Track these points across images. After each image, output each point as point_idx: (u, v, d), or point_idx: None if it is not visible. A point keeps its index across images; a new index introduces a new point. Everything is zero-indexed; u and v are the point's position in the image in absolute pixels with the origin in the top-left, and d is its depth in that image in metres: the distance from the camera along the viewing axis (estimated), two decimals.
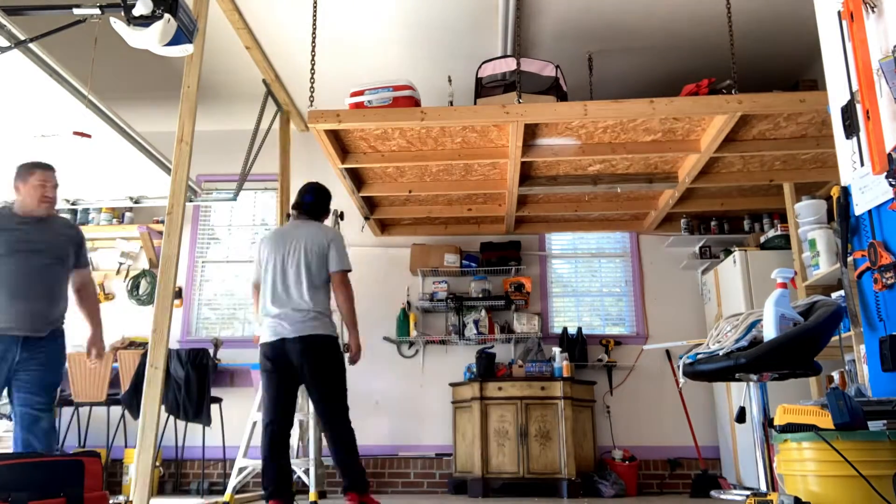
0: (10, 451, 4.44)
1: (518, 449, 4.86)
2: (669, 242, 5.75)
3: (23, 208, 3.29)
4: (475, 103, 4.36)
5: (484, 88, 4.42)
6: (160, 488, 5.34)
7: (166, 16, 2.27)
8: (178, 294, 5.89)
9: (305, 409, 4.70)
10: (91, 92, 3.69)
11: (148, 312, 5.66)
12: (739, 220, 5.63)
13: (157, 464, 5.26)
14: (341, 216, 5.33)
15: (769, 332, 2.27)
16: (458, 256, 5.71)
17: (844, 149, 2.66)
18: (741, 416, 2.43)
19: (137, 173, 4.76)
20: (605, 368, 5.63)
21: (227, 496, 4.17)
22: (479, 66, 4.49)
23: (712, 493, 4.76)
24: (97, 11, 2.38)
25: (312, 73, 4.20)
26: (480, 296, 5.64)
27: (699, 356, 2.44)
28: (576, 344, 5.52)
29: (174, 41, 2.37)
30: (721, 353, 2.33)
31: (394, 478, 5.42)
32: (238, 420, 5.50)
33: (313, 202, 3.71)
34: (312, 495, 4.20)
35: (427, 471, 5.46)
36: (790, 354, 2.24)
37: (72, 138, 4.08)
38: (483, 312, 5.63)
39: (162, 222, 5.54)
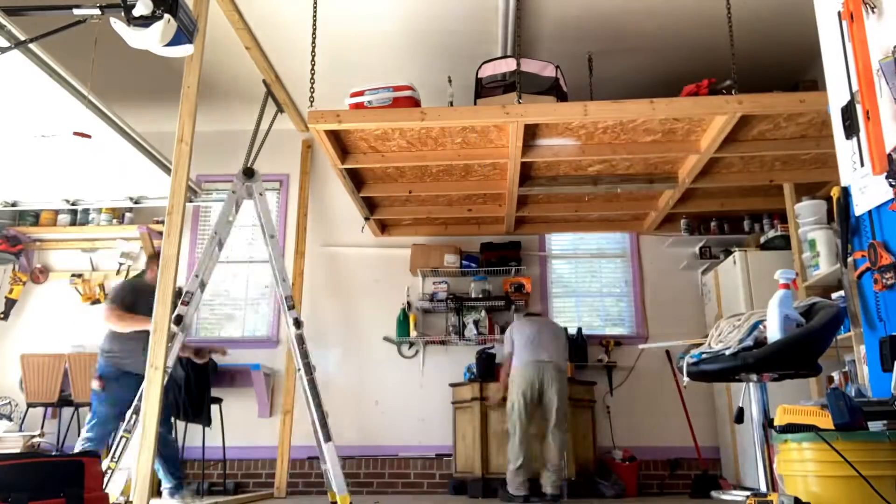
0: (11, 451, 4.45)
1: None
2: (669, 243, 5.75)
3: None
4: (475, 104, 4.36)
5: (484, 89, 4.41)
6: (160, 489, 5.33)
7: (166, 16, 2.27)
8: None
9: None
10: (91, 92, 3.68)
11: None
12: (739, 221, 5.62)
13: None
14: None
15: (773, 332, 2.26)
16: (458, 257, 5.71)
17: (844, 149, 2.66)
18: (740, 417, 2.43)
19: (137, 173, 4.76)
20: (605, 369, 5.63)
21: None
22: (479, 67, 4.48)
23: (712, 493, 4.75)
24: (97, 12, 2.38)
25: (312, 74, 4.20)
26: (480, 296, 5.63)
27: (703, 356, 2.43)
28: (576, 344, 5.51)
29: (174, 41, 2.36)
30: (727, 353, 2.33)
31: (394, 478, 5.42)
32: (238, 420, 5.50)
33: None
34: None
35: (427, 471, 5.46)
36: (796, 355, 2.24)
37: (72, 138, 4.08)
38: (483, 313, 5.62)
39: (162, 222, 5.54)
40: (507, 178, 4.92)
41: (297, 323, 4.02)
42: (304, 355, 3.97)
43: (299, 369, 3.99)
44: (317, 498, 4.95)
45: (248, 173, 4.27)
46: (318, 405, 3.90)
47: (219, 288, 6.07)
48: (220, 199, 5.26)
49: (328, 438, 3.90)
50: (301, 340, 4.00)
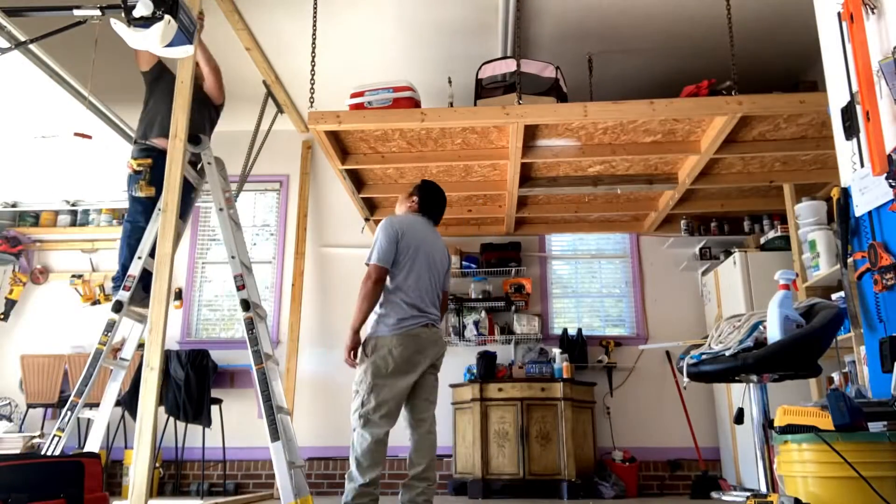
0: (11, 451, 4.45)
1: (518, 450, 4.86)
2: (669, 243, 5.75)
3: None
4: (475, 104, 4.37)
5: (484, 90, 4.42)
6: (160, 489, 5.34)
7: (166, 17, 2.27)
8: (178, 295, 5.89)
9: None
10: (91, 93, 3.69)
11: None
12: (739, 222, 5.63)
13: (158, 465, 5.26)
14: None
15: (774, 333, 2.26)
16: (458, 257, 5.71)
17: (844, 150, 2.66)
18: (740, 418, 2.43)
19: None
20: (606, 369, 5.63)
21: None
22: (479, 68, 4.49)
23: (713, 494, 4.76)
24: (97, 13, 2.38)
25: (312, 74, 4.20)
26: (480, 297, 5.63)
27: (703, 357, 2.43)
28: (576, 345, 5.51)
29: (174, 42, 2.37)
30: (727, 353, 2.33)
31: (394, 479, 5.41)
32: (238, 421, 5.50)
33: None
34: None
35: None
36: (796, 356, 2.24)
37: (72, 139, 4.08)
38: (483, 313, 5.62)
39: None
40: (507, 178, 4.92)
41: (245, 305, 3.63)
42: (254, 342, 3.62)
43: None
44: (317, 498, 4.95)
45: (194, 140, 3.82)
46: (267, 399, 3.54)
47: (219, 288, 6.08)
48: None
49: (274, 438, 3.44)
50: (250, 325, 3.62)
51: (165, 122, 3.61)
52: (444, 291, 3.37)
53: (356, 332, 3.10)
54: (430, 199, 3.37)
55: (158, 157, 3.70)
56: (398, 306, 3.06)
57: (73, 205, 5.47)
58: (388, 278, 3.11)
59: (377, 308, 3.09)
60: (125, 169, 3.78)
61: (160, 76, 3.85)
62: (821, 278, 3.86)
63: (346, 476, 3.04)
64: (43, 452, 3.62)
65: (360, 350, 3.09)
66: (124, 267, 3.84)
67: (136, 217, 3.80)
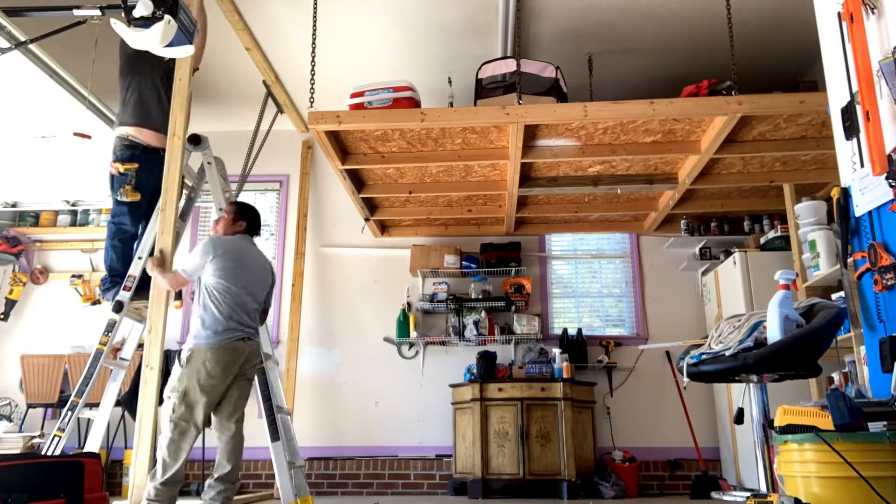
0: (11, 451, 4.45)
1: (518, 450, 4.86)
2: (669, 243, 5.75)
3: None
4: (475, 104, 4.37)
5: (484, 90, 4.42)
6: None
7: (166, 17, 2.27)
8: (178, 295, 5.88)
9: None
10: (91, 93, 3.69)
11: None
12: (739, 222, 5.63)
13: None
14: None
15: (774, 333, 2.26)
16: (458, 257, 5.71)
17: (844, 150, 2.66)
18: (740, 418, 2.43)
19: None
20: (606, 369, 5.63)
21: None
22: (479, 68, 4.49)
23: (713, 494, 4.76)
24: (97, 13, 2.38)
25: (312, 74, 4.20)
26: (480, 297, 5.63)
27: (703, 357, 2.43)
28: (576, 345, 5.51)
29: (174, 42, 2.37)
30: (727, 353, 2.33)
31: (394, 479, 5.41)
32: None
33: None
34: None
35: (427, 472, 5.46)
36: (797, 355, 2.24)
37: (72, 139, 4.09)
38: (483, 313, 5.62)
39: None
40: (507, 178, 4.92)
41: None
42: None
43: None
44: (317, 499, 4.95)
45: (194, 140, 3.91)
46: (267, 399, 3.73)
47: None
48: None
49: (274, 438, 3.67)
50: None
51: (151, 112, 3.61)
52: (266, 309, 3.70)
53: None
54: (253, 220, 3.68)
55: (143, 157, 3.68)
56: (215, 319, 3.30)
57: (72, 205, 5.47)
58: (206, 292, 3.35)
59: (195, 320, 3.34)
60: (108, 168, 3.75)
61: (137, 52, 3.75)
62: (821, 278, 3.86)
63: (149, 475, 3.23)
64: (43, 452, 3.62)
65: (176, 358, 3.33)
66: (111, 269, 3.82)
67: (122, 219, 3.80)
